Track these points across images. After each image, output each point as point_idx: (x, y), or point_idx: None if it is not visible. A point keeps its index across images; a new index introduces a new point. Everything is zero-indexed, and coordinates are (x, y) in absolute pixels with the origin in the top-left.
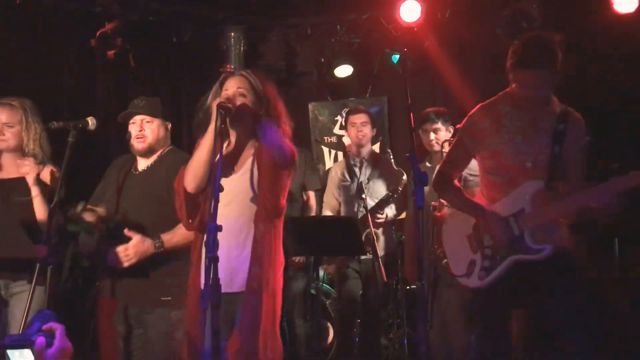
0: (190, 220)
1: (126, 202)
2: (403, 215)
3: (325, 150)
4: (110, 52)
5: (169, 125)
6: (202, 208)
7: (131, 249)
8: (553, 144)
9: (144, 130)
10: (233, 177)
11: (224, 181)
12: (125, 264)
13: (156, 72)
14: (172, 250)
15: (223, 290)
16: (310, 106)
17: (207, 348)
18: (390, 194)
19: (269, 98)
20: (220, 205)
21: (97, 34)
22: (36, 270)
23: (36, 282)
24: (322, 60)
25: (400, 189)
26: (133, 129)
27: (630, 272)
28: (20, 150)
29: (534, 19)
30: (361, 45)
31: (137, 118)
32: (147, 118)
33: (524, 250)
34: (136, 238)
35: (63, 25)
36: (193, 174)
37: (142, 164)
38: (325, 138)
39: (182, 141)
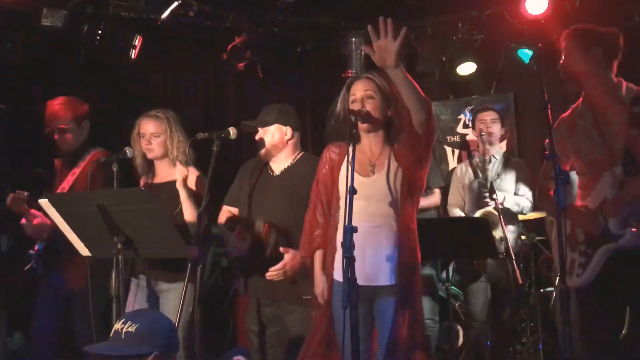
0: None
1: (264, 200)
2: (535, 215)
3: (448, 150)
4: (241, 65)
5: (288, 130)
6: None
7: (289, 266)
8: (629, 129)
9: (262, 138)
10: (373, 177)
11: (362, 181)
12: (280, 278)
13: (282, 81)
14: None
15: (367, 283)
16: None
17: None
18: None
19: (396, 97)
20: (361, 204)
21: (229, 47)
22: (188, 270)
23: (188, 281)
24: (444, 59)
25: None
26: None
27: None
28: (166, 158)
29: None
30: (484, 41)
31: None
32: (261, 129)
33: (611, 238)
34: (289, 254)
35: (198, 41)
36: None
37: (277, 166)
38: (448, 137)
39: (307, 147)
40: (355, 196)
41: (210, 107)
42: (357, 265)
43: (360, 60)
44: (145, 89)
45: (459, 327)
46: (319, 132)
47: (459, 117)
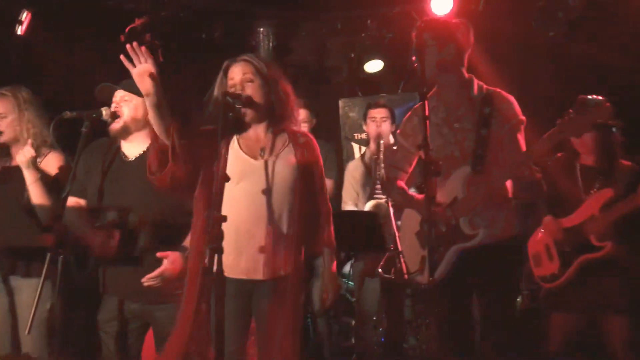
0: (158, 172)
1: (120, 192)
2: None
3: (356, 147)
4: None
5: None
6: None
7: (168, 273)
8: (478, 128)
9: (120, 107)
10: (262, 160)
11: (252, 164)
12: (158, 285)
13: (186, 69)
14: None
15: (244, 276)
16: (340, 102)
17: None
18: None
19: (275, 80)
20: (249, 188)
21: (127, 29)
22: (47, 260)
23: (47, 273)
24: (353, 55)
25: None
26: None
27: None
28: (18, 141)
29: (572, 8)
30: (392, 39)
31: (117, 95)
32: (126, 95)
33: (462, 238)
34: (169, 259)
35: (95, 21)
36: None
37: (132, 150)
38: (356, 135)
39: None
40: (242, 180)
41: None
42: (239, 257)
43: (269, 50)
44: (38, 69)
45: (353, 322)
46: None
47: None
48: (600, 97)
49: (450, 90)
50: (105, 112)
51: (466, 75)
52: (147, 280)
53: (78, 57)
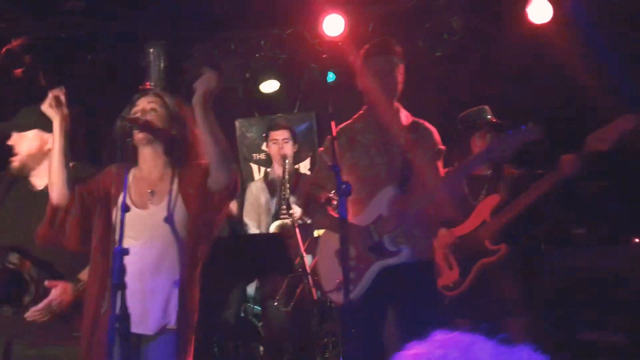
0: (80, 242)
1: (23, 223)
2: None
3: (255, 167)
4: (18, 70)
5: (50, 138)
6: (100, 230)
7: (55, 303)
8: (405, 152)
9: (17, 145)
10: (151, 210)
11: (138, 214)
12: (44, 319)
13: (70, 92)
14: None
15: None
16: (237, 123)
17: None
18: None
19: (184, 120)
20: (133, 234)
21: (3, 50)
22: None
23: None
24: (248, 75)
25: None
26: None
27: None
28: None
29: (455, 31)
30: (287, 60)
31: (13, 134)
32: (16, 135)
33: (385, 255)
34: (58, 289)
35: None
36: (50, 183)
37: (40, 180)
38: (254, 155)
39: (101, 164)
40: (128, 234)
41: None
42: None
43: (160, 72)
44: None
45: (261, 348)
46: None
47: (264, 134)
48: (482, 108)
49: (382, 114)
50: None
51: (395, 103)
52: (32, 313)
53: None
